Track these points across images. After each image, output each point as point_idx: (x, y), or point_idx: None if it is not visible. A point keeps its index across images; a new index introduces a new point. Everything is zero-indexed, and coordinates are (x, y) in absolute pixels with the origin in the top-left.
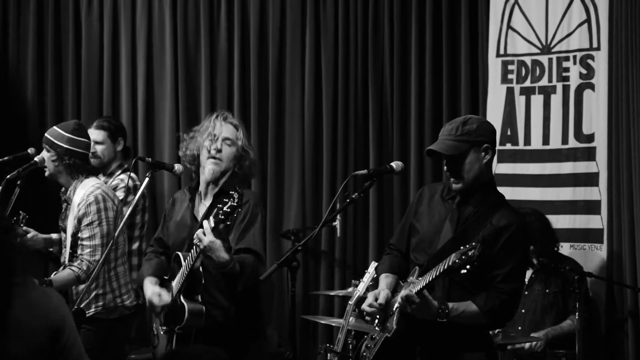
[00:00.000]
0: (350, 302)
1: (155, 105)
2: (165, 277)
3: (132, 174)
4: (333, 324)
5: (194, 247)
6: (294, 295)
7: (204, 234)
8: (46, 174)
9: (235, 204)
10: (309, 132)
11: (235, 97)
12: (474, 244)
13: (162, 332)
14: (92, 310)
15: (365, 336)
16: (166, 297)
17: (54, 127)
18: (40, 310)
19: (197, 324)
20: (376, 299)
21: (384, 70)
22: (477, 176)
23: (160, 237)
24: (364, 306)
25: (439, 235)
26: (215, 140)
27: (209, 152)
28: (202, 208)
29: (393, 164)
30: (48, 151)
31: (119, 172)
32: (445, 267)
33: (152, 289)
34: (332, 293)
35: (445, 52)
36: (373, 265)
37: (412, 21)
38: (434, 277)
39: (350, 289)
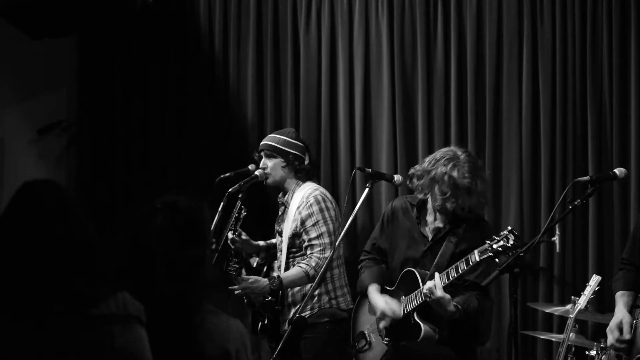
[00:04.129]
0: (570, 316)
1: (372, 123)
2: (388, 288)
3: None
4: (553, 339)
5: (424, 295)
6: (515, 302)
7: (435, 287)
8: (269, 180)
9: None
10: (526, 147)
11: (452, 114)
12: None
13: (377, 339)
14: (308, 312)
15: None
16: (399, 312)
17: (277, 135)
18: (218, 334)
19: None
20: (620, 330)
21: (602, 78)
22: None
23: (379, 246)
24: (611, 341)
25: None
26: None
27: (442, 206)
28: (430, 228)
29: (616, 171)
30: (274, 157)
31: None
32: None
33: (383, 299)
34: (549, 310)
35: None
36: (594, 278)
37: (631, 28)
38: None
39: (569, 306)
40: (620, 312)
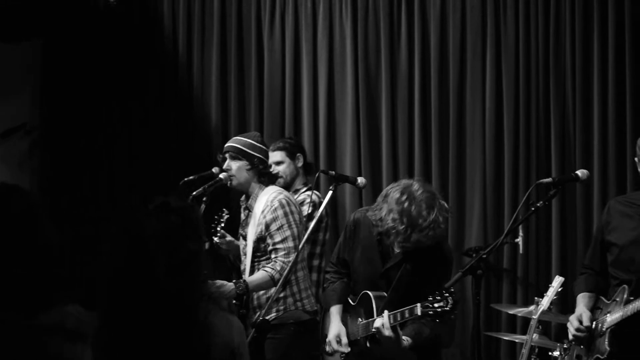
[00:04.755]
0: (533, 317)
1: (336, 124)
2: (351, 302)
3: (316, 191)
4: (516, 340)
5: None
6: (478, 304)
7: (383, 327)
8: (234, 183)
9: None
10: (490, 148)
11: (415, 115)
12: None
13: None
14: (274, 314)
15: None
16: (344, 349)
17: (243, 138)
18: (222, 333)
19: None
20: (580, 322)
21: (565, 80)
22: None
23: (344, 258)
24: (572, 331)
25: (638, 247)
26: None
27: (401, 243)
28: (389, 251)
29: (578, 172)
30: (239, 160)
31: (304, 189)
32: None
33: (336, 331)
34: (513, 311)
35: (629, 58)
36: (557, 279)
37: (594, 29)
38: None
39: (532, 307)
40: (581, 309)
